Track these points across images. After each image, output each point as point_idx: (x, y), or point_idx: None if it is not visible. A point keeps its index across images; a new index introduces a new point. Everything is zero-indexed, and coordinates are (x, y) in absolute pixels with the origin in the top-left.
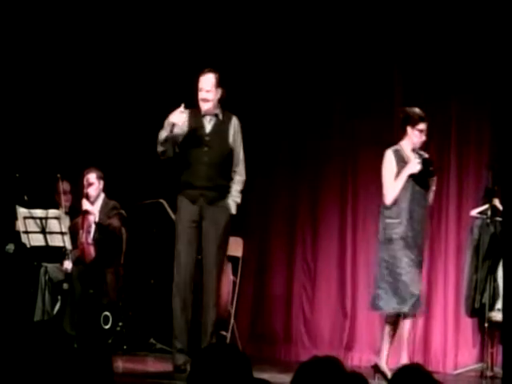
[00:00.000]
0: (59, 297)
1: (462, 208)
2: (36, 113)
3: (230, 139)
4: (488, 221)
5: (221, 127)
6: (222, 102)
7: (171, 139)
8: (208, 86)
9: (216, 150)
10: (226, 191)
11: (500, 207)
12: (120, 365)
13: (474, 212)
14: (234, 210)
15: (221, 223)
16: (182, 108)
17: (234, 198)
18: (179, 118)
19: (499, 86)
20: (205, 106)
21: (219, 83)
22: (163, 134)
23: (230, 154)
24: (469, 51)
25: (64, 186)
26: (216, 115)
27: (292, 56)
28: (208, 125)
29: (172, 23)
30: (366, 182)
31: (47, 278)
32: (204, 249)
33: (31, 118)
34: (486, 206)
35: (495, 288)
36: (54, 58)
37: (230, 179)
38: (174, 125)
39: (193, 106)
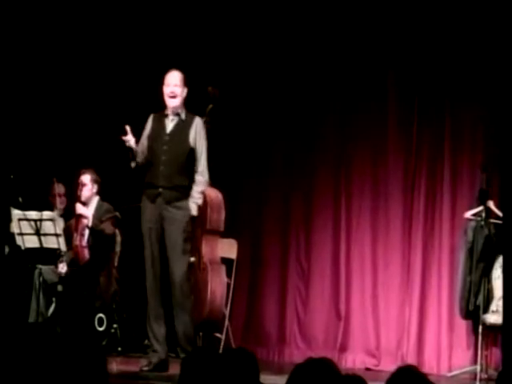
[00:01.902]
0: (53, 299)
1: (456, 210)
2: (31, 115)
3: (191, 139)
4: (482, 223)
5: (182, 127)
6: (213, 101)
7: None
8: (176, 81)
9: (175, 149)
10: (186, 191)
11: (494, 209)
12: (114, 366)
13: (468, 214)
14: (194, 212)
15: (180, 225)
16: (127, 133)
17: (194, 200)
18: (132, 143)
19: (496, 88)
20: (172, 103)
21: (185, 83)
22: (133, 165)
23: (190, 153)
24: (463, 53)
25: (59, 188)
26: (178, 115)
27: (285, 58)
28: (170, 124)
29: (169, 26)
30: (360, 182)
31: (41, 279)
32: (167, 250)
33: (26, 120)
34: (480, 208)
35: (489, 290)
36: (49, 62)
37: (192, 180)
38: (132, 150)
39: (159, 109)
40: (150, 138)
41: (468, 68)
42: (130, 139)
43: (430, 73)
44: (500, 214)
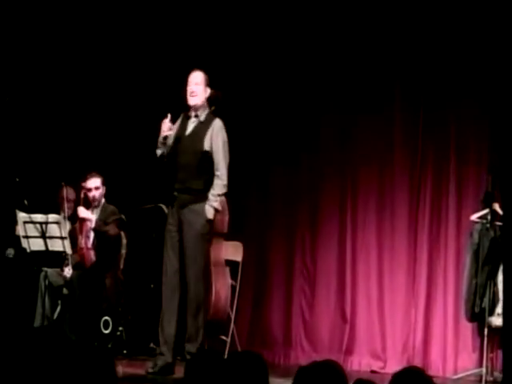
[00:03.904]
0: (59, 301)
1: (461, 212)
2: (36, 118)
3: (206, 142)
4: (488, 225)
5: (199, 129)
6: (216, 103)
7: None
8: (197, 80)
9: (190, 152)
10: (201, 195)
11: (500, 212)
12: (120, 369)
13: (474, 216)
14: (210, 215)
15: (196, 227)
16: (167, 120)
17: (210, 203)
18: (167, 129)
19: (498, 91)
20: (192, 101)
21: (208, 83)
22: (158, 152)
23: (205, 156)
24: (467, 57)
25: (69, 193)
26: (198, 116)
27: (290, 68)
28: (190, 126)
29: (173, 29)
30: (365, 187)
31: (47, 282)
32: (184, 253)
33: (31, 123)
34: (486, 211)
35: (495, 293)
36: (55, 63)
37: (209, 183)
38: (166, 137)
39: (185, 109)
40: (174, 139)
41: (473, 72)
42: (168, 124)
43: (435, 77)
44: None
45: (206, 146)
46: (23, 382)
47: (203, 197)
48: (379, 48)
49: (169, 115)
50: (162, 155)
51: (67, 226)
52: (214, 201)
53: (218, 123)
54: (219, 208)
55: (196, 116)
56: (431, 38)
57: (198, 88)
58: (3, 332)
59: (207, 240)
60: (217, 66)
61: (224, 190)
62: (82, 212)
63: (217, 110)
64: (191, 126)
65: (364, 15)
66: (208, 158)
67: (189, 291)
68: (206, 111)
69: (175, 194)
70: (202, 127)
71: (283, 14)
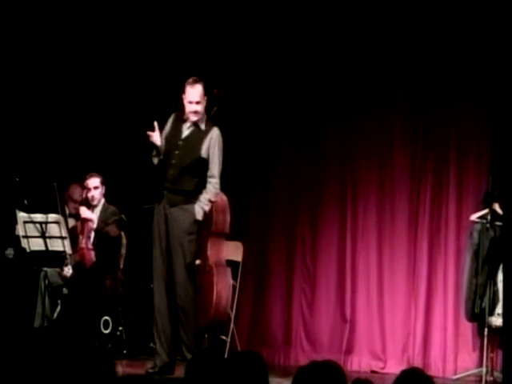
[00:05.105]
0: (59, 301)
1: (461, 212)
2: (36, 118)
3: (203, 150)
4: (488, 225)
5: (197, 135)
6: (218, 102)
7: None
8: (198, 98)
9: (186, 155)
10: (191, 196)
11: (500, 212)
12: (120, 369)
13: (474, 216)
14: (199, 216)
15: (183, 226)
16: (154, 129)
17: (201, 204)
18: (156, 139)
19: (498, 92)
20: (195, 118)
21: (205, 92)
22: (155, 160)
23: (201, 162)
24: (467, 57)
25: (76, 193)
26: (196, 123)
27: (292, 67)
28: (186, 130)
29: (175, 29)
30: (365, 187)
31: (47, 282)
32: (171, 251)
33: (31, 123)
34: (486, 211)
35: (495, 292)
36: (55, 63)
37: (200, 187)
38: (157, 147)
39: (161, 114)
40: (166, 139)
41: (474, 73)
42: (155, 135)
43: (435, 83)
44: None
45: (203, 153)
46: (23, 382)
47: (193, 198)
48: (380, 49)
49: (156, 124)
50: (159, 162)
51: (72, 222)
52: (205, 204)
53: (215, 132)
54: (207, 211)
55: (194, 123)
56: (432, 40)
57: (199, 106)
58: (3, 332)
59: (194, 240)
60: (219, 66)
61: (215, 198)
62: (85, 212)
63: (219, 109)
64: (187, 130)
65: (365, 18)
66: (202, 163)
67: (177, 291)
68: (204, 118)
69: (165, 192)
70: (200, 133)
71: (286, 17)
